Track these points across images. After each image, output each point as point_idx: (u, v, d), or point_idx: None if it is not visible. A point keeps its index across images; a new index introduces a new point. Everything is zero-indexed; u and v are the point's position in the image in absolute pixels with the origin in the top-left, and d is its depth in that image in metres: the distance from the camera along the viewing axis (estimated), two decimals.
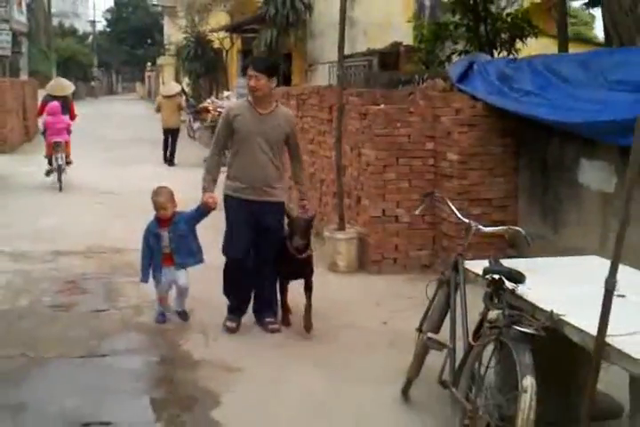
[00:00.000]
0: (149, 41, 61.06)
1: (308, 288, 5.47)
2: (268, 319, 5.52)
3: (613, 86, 5.64)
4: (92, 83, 64.18)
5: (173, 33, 35.66)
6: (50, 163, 12.39)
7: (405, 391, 4.30)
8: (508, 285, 3.55)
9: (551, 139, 6.58)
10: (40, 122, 13.82)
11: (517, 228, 4.20)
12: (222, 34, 22.47)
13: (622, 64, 5.66)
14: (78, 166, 13.16)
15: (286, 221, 5.41)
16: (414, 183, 7.28)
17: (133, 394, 4.48)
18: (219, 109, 16.06)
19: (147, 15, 59.03)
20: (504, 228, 4.23)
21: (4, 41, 26.64)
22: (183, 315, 5.71)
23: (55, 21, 51.72)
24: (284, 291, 5.60)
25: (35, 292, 6.46)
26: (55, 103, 12.60)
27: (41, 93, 18.55)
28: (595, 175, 6.04)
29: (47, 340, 5.33)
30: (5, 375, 4.68)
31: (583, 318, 3.18)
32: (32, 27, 37.19)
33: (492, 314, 3.52)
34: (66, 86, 14.31)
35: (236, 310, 5.57)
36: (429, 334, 4.00)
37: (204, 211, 5.41)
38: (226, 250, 5.48)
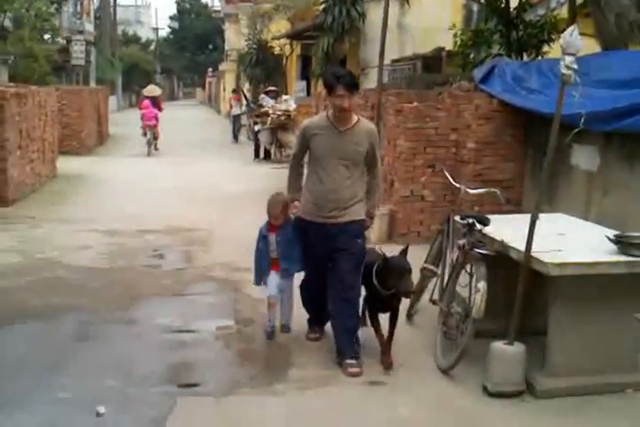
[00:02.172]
0: (210, 47, 63.78)
1: (393, 322, 5.26)
2: (347, 361, 5.09)
3: (596, 84, 7.22)
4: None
5: (234, 39, 37.83)
6: (146, 137, 20.13)
7: (409, 315, 6.02)
8: (478, 226, 5.24)
9: (550, 128, 8.19)
10: (139, 112, 21.23)
11: (495, 189, 5.86)
12: (283, 40, 24.49)
13: (603, 66, 7.26)
14: (153, 165, 15.38)
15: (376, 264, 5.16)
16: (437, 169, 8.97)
17: (208, 317, 6.31)
18: (277, 112, 17.89)
19: (208, 22, 61.66)
20: (485, 190, 5.91)
21: (79, 51, 29.21)
22: (285, 328, 5.79)
23: (119, 29, 54.82)
24: (378, 325, 5.28)
25: (129, 257, 8.36)
26: (146, 101, 20.76)
27: (111, 99, 23.79)
28: (583, 157, 7.65)
29: (143, 286, 7.20)
30: (116, 304, 6.56)
31: (522, 245, 4.84)
32: (98, 36, 39.92)
33: (462, 242, 5.21)
34: (155, 90, 22.42)
35: (315, 322, 5.69)
36: (425, 265, 5.73)
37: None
38: (305, 276, 5.62)
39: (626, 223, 6.40)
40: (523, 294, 4.75)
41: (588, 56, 8.69)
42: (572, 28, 4.58)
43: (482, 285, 4.84)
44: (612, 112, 6.65)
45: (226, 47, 46.95)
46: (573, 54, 4.54)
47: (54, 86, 18.80)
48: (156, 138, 20.43)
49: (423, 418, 4.47)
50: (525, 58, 10.64)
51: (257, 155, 19.36)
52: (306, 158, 5.44)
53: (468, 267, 5.17)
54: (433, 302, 5.61)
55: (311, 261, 5.41)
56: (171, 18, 70.26)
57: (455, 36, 11.91)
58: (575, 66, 4.53)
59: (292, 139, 15.65)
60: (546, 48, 10.93)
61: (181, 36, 65.69)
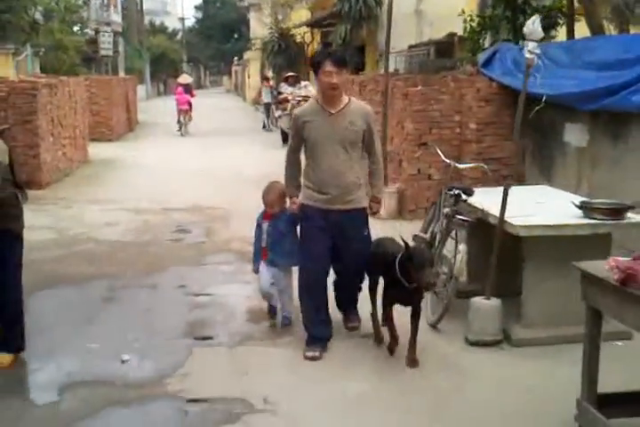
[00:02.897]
0: (236, 36, 64.34)
1: (416, 316, 5.04)
2: (350, 315, 5.51)
3: (585, 66, 7.74)
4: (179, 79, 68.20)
5: (258, 28, 38.36)
6: (178, 121, 22.59)
7: None
8: (463, 196, 5.79)
9: (546, 110, 8.70)
10: (175, 98, 24.08)
11: (482, 164, 6.40)
12: (303, 29, 25.04)
13: (591, 49, 7.76)
14: (180, 149, 16.08)
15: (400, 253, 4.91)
16: (443, 148, 9.41)
17: (224, 282, 6.94)
18: (297, 98, 18.43)
19: (233, 11, 62.20)
20: (472, 164, 6.46)
21: (106, 42, 30.01)
22: (285, 320, 5.67)
23: (146, 19, 55.62)
24: (390, 319, 5.15)
25: (155, 232, 9.02)
26: (180, 88, 23.78)
27: (140, 88, 25.41)
28: (574, 134, 8.15)
29: (166, 257, 7.84)
30: (141, 272, 7.21)
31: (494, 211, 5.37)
32: (126, 26, 40.71)
33: (447, 211, 5.77)
34: (187, 78, 26.25)
35: (316, 332, 5.23)
36: (416, 233, 6.29)
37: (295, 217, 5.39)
38: (303, 264, 5.27)
39: (613, 194, 6.92)
40: (498, 253, 5.30)
41: (579, 39, 9.23)
42: (534, 17, 5.11)
43: (462, 247, 5.41)
44: (596, 92, 7.15)
45: (251, 36, 47.43)
46: (535, 41, 5.03)
47: (84, 76, 19.52)
48: (189, 120, 23.19)
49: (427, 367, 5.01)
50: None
51: (285, 140, 19.88)
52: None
53: (452, 233, 5.73)
54: None
55: (313, 252, 5.12)
56: (196, 7, 70.93)
57: (465, 22, 12.37)
58: (537, 51, 5.02)
59: None
60: (552, 33, 11.44)
61: (207, 26, 66.32)
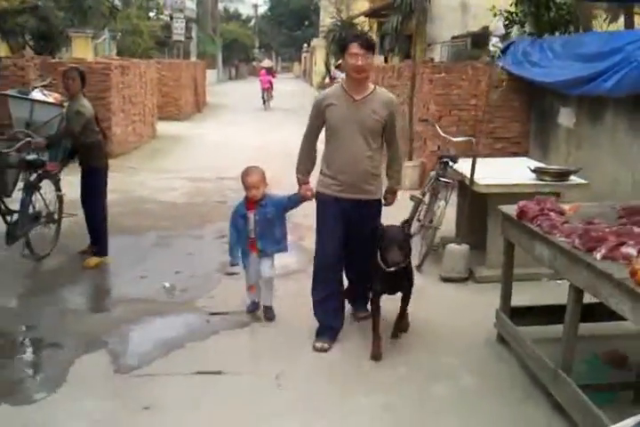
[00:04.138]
0: (306, 23, 65.62)
1: (404, 300, 5.03)
2: (359, 309, 5.44)
3: (575, 58, 8.71)
4: (254, 63, 70.00)
5: (327, 16, 39.51)
6: (262, 97, 27.89)
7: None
8: (450, 163, 6.94)
9: (546, 95, 9.74)
10: (259, 79, 29.13)
11: (471, 138, 7.51)
12: (363, 18, 26.14)
13: (581, 43, 8.74)
14: (242, 129, 17.51)
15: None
16: (460, 128, 10.59)
17: None
18: None
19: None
20: (465, 138, 7.57)
21: (179, 28, 31.65)
22: (269, 312, 5.51)
23: (220, 6, 57.29)
24: (376, 311, 4.86)
25: (206, 195, 10.39)
26: (263, 70, 28.91)
27: (209, 73, 29.18)
28: (565, 117, 9.17)
29: (212, 214, 9.16)
30: (189, 226, 8.54)
31: (477, 175, 6.50)
32: (200, 13, 42.35)
33: (433, 173, 6.93)
34: (269, 62, 32.49)
35: (325, 325, 5.10)
36: (411, 193, 7.46)
37: (297, 201, 5.22)
38: (317, 252, 5.15)
39: (593, 170, 7.97)
40: (470, 208, 6.46)
41: (572, 35, 10.21)
42: (497, 17, 6.19)
43: (442, 203, 6.60)
44: (580, 79, 8.16)
45: (320, 24, 48.55)
46: (499, 36, 6.12)
47: (156, 60, 21.04)
48: (271, 98, 27.99)
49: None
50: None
51: None
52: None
53: (438, 193, 6.90)
54: (419, 220, 7.35)
55: (327, 238, 5.02)
56: None
57: (494, 16, 13.32)
58: (500, 45, 6.10)
59: None
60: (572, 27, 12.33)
61: (279, 13, 67.79)
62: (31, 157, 6.38)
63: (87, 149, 6.65)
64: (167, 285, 6.27)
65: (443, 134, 7.59)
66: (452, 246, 6.50)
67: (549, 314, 4.78)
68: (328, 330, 5.05)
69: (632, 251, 3.40)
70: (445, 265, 6.50)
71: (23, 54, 14.10)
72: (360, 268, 5.14)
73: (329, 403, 4.15)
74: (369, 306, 5.09)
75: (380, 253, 4.72)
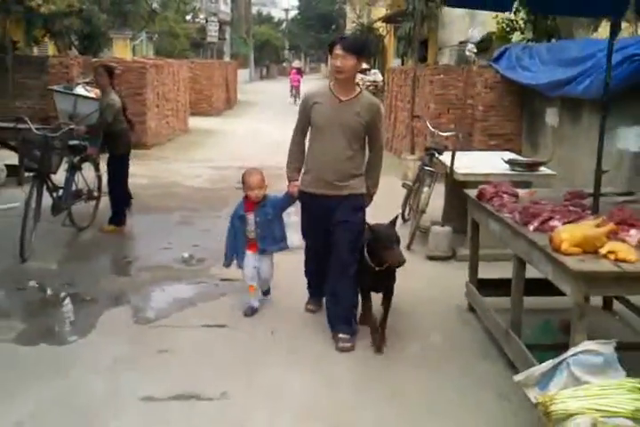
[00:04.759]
0: (333, 27, 65.78)
1: (387, 302, 4.80)
2: (341, 335, 4.72)
3: (557, 62, 9.11)
4: (284, 64, 70.50)
5: (349, 21, 39.89)
6: (292, 94, 29.88)
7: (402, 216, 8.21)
8: (436, 155, 7.39)
9: (535, 96, 10.13)
10: (289, 77, 31.65)
11: (458, 133, 7.93)
12: (380, 23, 26.54)
13: (562, 49, 9.13)
14: (268, 124, 18.07)
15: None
16: (458, 126, 11.01)
17: None
18: (367, 83, 20.05)
19: (332, 4, 63.66)
20: (452, 133, 8.00)
21: (213, 30, 32.22)
22: (266, 293, 5.51)
23: (254, 10, 57.72)
24: (368, 307, 4.83)
25: (228, 182, 10.85)
26: (294, 70, 31.08)
27: (241, 72, 29.54)
28: (551, 116, 9.57)
29: (232, 198, 9.45)
30: (210, 207, 9.05)
31: (457, 166, 6.94)
32: (234, 16, 42.87)
33: (419, 164, 7.38)
34: (299, 62, 34.89)
35: (315, 292, 5.25)
36: (404, 181, 7.92)
37: (288, 199, 5.05)
38: (305, 246, 5.22)
39: (573, 165, 8.38)
40: (449, 192, 6.91)
41: (557, 42, 10.58)
42: (473, 27, 6.61)
43: (426, 189, 7.04)
44: (560, 82, 8.56)
45: (346, 28, 48.86)
46: (473, 43, 6.54)
47: (189, 60, 21.61)
48: (298, 94, 29.03)
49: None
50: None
51: None
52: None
53: (424, 181, 7.35)
54: (409, 206, 7.81)
55: (312, 234, 5.02)
56: (299, 0, 72.73)
57: (497, 23, 13.70)
58: (474, 50, 6.52)
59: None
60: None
61: (307, 17, 67.97)
62: (74, 142, 6.97)
63: (114, 137, 7.31)
64: (186, 255, 6.75)
65: (432, 129, 8.02)
66: (436, 228, 6.95)
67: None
68: (316, 296, 5.20)
69: (557, 223, 3.84)
70: (430, 245, 6.94)
71: (68, 54, 14.75)
72: (341, 266, 4.76)
73: (314, 354, 4.57)
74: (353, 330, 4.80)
75: (368, 252, 4.57)
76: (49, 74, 13.34)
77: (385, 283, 4.74)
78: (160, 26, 23.54)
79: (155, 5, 22.37)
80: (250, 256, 5.14)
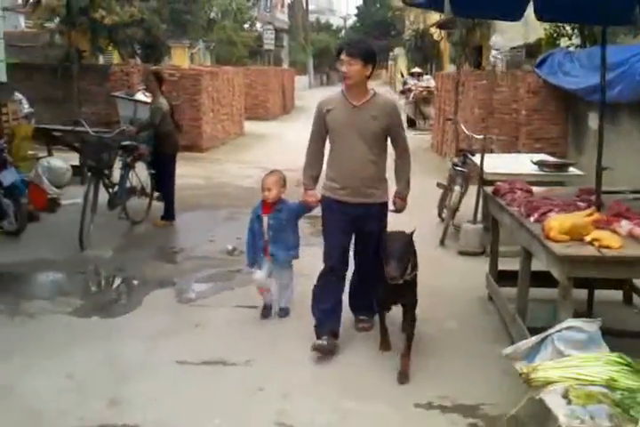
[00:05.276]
0: (393, 33, 66.18)
1: (408, 320, 4.51)
2: (361, 317, 5.03)
3: (595, 68, 9.37)
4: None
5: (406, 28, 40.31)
6: None
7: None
8: (469, 156, 7.79)
9: (578, 101, 10.40)
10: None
11: (491, 136, 8.29)
12: (434, 29, 26.87)
13: (598, 55, 9.37)
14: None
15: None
16: (503, 129, 11.35)
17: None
18: (420, 89, 20.42)
19: (390, 10, 64.07)
20: (484, 136, 8.36)
21: (269, 38, 33.08)
22: (282, 312, 5.30)
23: (313, 18, 58.56)
24: (381, 319, 4.72)
25: None
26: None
27: (301, 79, 28.62)
28: (593, 120, 9.83)
29: None
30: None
31: (486, 166, 7.32)
32: (292, 24, 43.72)
33: (451, 164, 7.78)
34: None
35: (323, 327, 4.73)
36: (439, 181, 8.32)
37: (303, 208, 5.01)
38: (324, 255, 4.83)
39: (613, 166, 8.64)
40: (480, 191, 7.28)
41: (596, 48, 10.80)
42: (496, 34, 6.99)
43: (457, 188, 7.44)
44: (595, 87, 8.82)
45: (404, 33, 49.21)
46: (498, 50, 6.92)
47: (245, 67, 22.36)
48: None
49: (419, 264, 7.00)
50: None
51: (409, 125, 21.52)
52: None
53: (456, 180, 7.76)
54: (442, 209, 8.20)
55: (333, 237, 4.75)
56: (357, 8, 73.37)
57: (545, 29, 13.95)
58: (499, 57, 6.90)
59: (432, 111, 18.19)
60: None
61: (366, 24, 68.53)
62: (126, 142, 7.61)
63: (162, 138, 7.96)
64: (230, 247, 7.27)
65: (466, 132, 8.41)
66: (467, 225, 7.32)
67: (533, 279, 5.34)
68: (324, 328, 4.70)
69: (555, 215, 4.24)
70: (462, 241, 7.32)
71: (129, 62, 15.59)
72: (365, 269, 4.85)
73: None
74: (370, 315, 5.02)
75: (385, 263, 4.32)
76: (111, 81, 14.17)
77: (403, 297, 4.51)
78: (218, 35, 24.35)
79: (213, 15, 23.19)
80: (267, 262, 5.13)
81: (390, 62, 61.22)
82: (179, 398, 3.98)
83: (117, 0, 15.88)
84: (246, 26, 29.65)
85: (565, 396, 3.21)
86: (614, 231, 4.02)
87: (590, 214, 4.00)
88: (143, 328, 4.99)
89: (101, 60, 18.64)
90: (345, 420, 3.79)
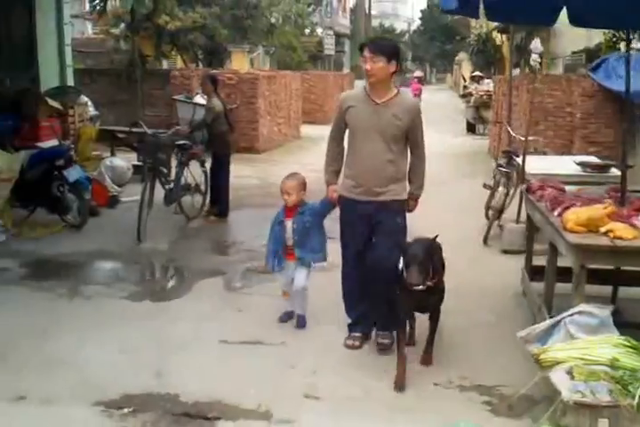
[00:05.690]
0: (457, 37, 66.01)
1: (433, 320, 4.58)
2: (380, 331, 4.87)
3: None
4: (406, 75, 71.19)
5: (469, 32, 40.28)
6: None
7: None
8: (513, 157, 8.03)
9: (633, 104, 10.48)
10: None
11: (538, 138, 8.51)
12: (495, 33, 26.98)
13: None
14: None
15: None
16: (557, 133, 11.54)
17: None
18: (480, 93, 20.53)
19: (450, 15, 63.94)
20: (533, 138, 8.58)
21: (329, 43, 33.57)
22: (300, 321, 5.23)
23: (376, 22, 58.89)
24: (402, 331, 4.43)
25: (320, 184, 11.71)
26: (415, 79, 30.90)
27: (359, 84, 29.93)
28: None
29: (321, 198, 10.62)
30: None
31: (529, 166, 7.54)
32: (354, 28, 44.18)
33: (494, 164, 8.02)
34: (420, 72, 35.66)
35: (355, 326, 4.95)
36: (485, 182, 8.57)
37: (327, 205, 4.99)
38: (342, 255, 4.93)
39: None
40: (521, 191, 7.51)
41: None
42: (536, 39, 7.23)
43: (501, 189, 7.72)
44: None
45: (470, 38, 49.11)
46: (537, 53, 7.16)
47: (303, 71, 22.84)
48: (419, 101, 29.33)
49: (460, 262, 6.85)
50: None
51: (469, 129, 21.54)
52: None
53: (499, 181, 8.01)
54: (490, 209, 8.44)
55: (351, 241, 4.79)
56: (421, 11, 73.43)
57: (604, 34, 14.06)
58: (538, 60, 7.14)
59: (491, 115, 18.29)
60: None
61: (431, 28, 68.53)
62: (181, 141, 8.12)
63: (215, 138, 8.45)
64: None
65: (513, 134, 8.65)
66: (511, 225, 7.57)
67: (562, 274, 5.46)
68: (355, 326, 4.94)
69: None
70: (505, 240, 7.57)
71: (189, 66, 16.26)
72: (379, 273, 4.61)
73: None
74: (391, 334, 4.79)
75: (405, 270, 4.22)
76: (171, 85, 14.83)
77: (428, 302, 4.43)
78: (278, 40, 24.91)
79: (273, 20, 23.77)
80: (289, 265, 5.13)
81: (455, 66, 61.18)
82: (219, 371, 4.41)
83: (180, 6, 16.54)
84: (307, 31, 30.20)
85: (570, 374, 3.50)
86: (632, 225, 4.27)
87: (606, 208, 4.26)
88: (191, 311, 5.47)
89: (165, 64, 19.40)
90: (367, 394, 4.15)
